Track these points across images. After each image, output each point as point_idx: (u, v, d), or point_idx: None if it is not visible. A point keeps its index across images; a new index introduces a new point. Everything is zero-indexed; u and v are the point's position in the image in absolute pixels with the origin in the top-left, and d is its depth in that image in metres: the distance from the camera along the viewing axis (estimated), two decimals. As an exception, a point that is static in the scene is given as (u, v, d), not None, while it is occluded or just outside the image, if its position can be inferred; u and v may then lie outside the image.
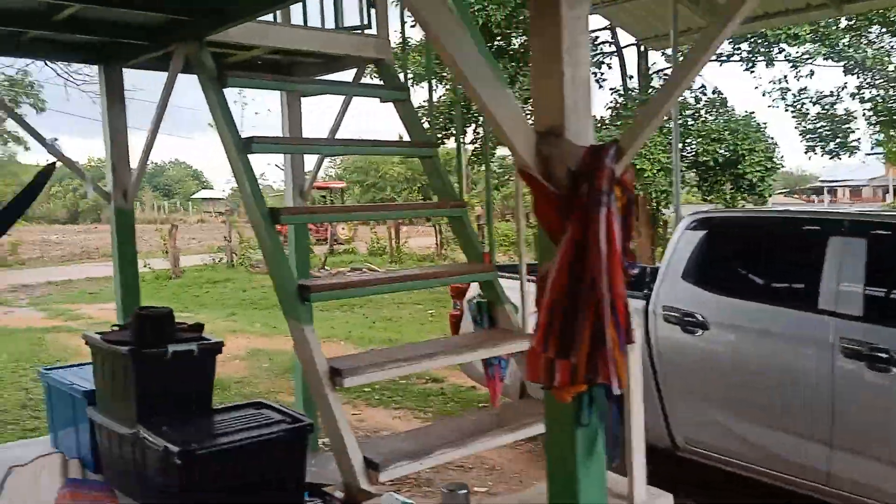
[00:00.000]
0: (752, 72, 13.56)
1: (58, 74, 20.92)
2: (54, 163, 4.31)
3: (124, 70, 4.54)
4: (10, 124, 23.84)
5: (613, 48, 13.63)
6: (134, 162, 4.56)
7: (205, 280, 16.78)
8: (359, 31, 4.52)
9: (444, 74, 11.27)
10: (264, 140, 3.56)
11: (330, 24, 4.59)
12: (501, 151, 17.26)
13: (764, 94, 14.44)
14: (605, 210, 1.87)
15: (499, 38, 12.18)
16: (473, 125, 13.03)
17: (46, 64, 20.43)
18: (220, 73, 3.61)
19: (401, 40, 4.90)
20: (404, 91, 4.25)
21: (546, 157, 2.00)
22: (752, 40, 12.78)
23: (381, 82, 4.55)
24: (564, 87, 1.96)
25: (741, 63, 13.48)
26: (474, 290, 4.93)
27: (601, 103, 16.92)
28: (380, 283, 3.47)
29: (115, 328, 3.69)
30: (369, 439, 4.69)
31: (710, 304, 4.26)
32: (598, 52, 13.70)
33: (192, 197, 64.29)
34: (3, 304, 14.53)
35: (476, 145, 13.63)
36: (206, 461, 3.03)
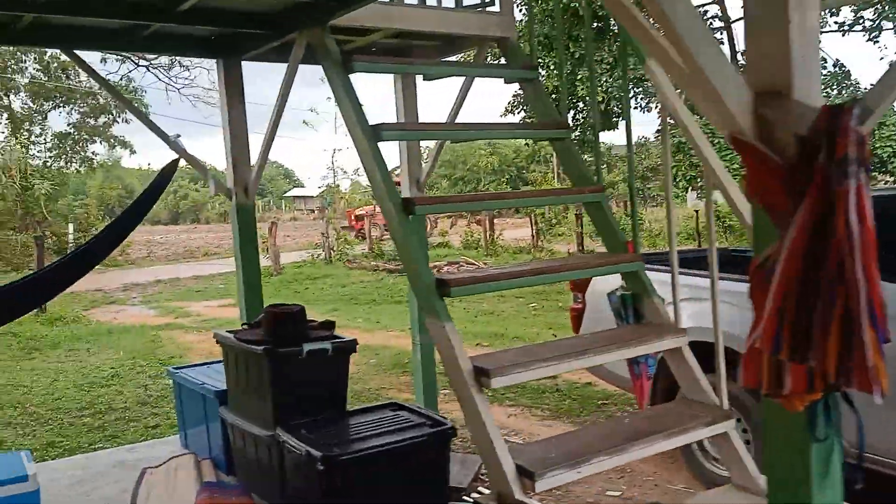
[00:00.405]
0: (877, 42, 12.56)
1: (158, 79, 21.70)
2: (177, 159, 4.26)
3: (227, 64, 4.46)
4: (117, 128, 24.95)
5: (721, 23, 12.91)
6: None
7: (304, 276, 17.00)
8: (481, 9, 4.27)
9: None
10: (393, 127, 3.36)
11: (447, 3, 4.37)
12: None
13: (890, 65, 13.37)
14: (854, 182, 1.54)
15: (599, 21, 11.72)
16: (573, 111, 12.61)
17: (148, 69, 21.23)
18: (346, 59, 3.43)
19: (526, 16, 4.60)
20: (532, 70, 3.97)
21: (767, 122, 1.68)
22: (877, 7, 11.82)
23: (504, 62, 4.29)
24: (791, 37, 1.64)
25: (864, 33, 12.51)
26: (599, 282, 4.62)
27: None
28: (522, 276, 3.20)
29: (245, 327, 3.58)
30: (516, 445, 4.46)
31: None
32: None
33: (285, 195, 66.02)
34: (116, 303, 15.12)
35: (577, 132, 13.21)
36: (349, 467, 2.85)
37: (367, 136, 3.28)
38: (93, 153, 24.83)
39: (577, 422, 6.21)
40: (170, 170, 4.18)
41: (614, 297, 3.68)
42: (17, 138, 21.10)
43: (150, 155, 44.04)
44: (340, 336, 3.39)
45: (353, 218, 26.53)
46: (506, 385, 2.96)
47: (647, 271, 3.63)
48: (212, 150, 68.97)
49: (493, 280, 3.09)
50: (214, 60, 4.44)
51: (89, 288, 17.02)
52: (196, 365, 4.38)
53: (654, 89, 4.24)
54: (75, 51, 4.01)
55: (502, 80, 4.10)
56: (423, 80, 4.26)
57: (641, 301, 3.56)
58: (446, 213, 16.39)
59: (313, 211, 33.31)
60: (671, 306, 3.47)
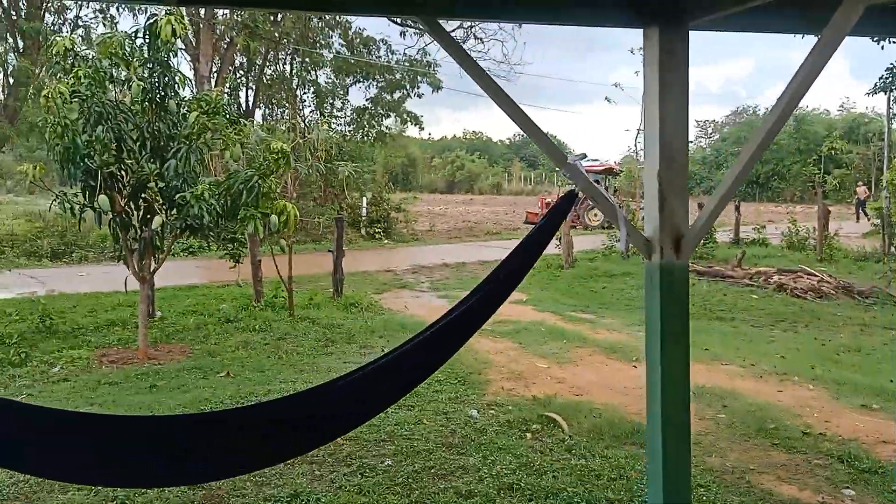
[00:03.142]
0: None
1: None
2: (573, 192, 2.68)
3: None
4: (409, 103, 25.07)
5: None
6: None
7: (600, 273, 15.20)
8: None
9: None
10: None
11: None
12: None
13: None
14: None
15: None
16: None
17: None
18: None
19: None
20: None
21: None
22: None
23: None
24: None
25: None
26: None
27: None
28: None
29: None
30: None
31: None
32: None
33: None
34: (407, 288, 14.59)
35: None
36: None
37: None
38: (386, 128, 25.28)
39: None
40: (564, 205, 2.63)
41: None
42: (321, 112, 21.86)
43: (433, 127, 45.10)
44: None
45: (543, 204, 25.82)
46: None
47: None
48: (489, 122, 69.61)
49: None
50: (637, 30, 2.72)
51: (381, 267, 16.90)
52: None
53: None
54: (438, 20, 2.53)
55: None
56: None
57: None
58: None
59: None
60: None
